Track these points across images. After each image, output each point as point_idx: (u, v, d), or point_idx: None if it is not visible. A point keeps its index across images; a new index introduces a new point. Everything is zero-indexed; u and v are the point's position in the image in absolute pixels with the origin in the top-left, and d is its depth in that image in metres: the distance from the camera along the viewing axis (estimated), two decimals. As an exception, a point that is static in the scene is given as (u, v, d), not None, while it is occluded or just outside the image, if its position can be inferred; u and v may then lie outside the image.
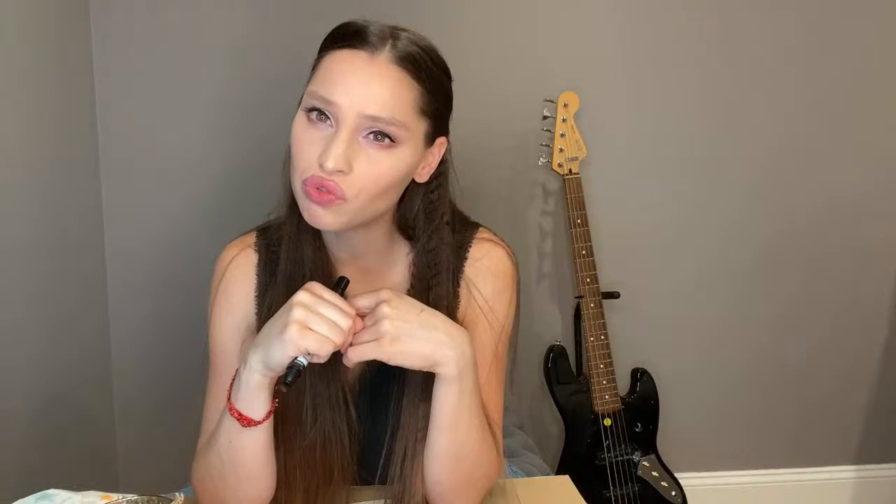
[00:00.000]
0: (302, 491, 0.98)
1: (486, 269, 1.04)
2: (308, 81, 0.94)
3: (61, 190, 1.70)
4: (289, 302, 0.87)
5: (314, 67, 0.94)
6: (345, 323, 0.86)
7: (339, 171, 0.88)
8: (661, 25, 1.93)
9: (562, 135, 1.81)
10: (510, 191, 1.95)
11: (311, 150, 0.90)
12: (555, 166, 1.82)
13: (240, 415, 0.89)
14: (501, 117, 1.92)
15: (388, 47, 0.91)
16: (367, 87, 0.89)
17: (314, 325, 0.84)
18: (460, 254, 1.04)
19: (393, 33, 0.93)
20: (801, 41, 1.96)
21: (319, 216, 0.91)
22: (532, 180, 1.96)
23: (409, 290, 1.02)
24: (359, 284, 1.04)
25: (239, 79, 1.86)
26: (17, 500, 0.85)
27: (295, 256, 1.00)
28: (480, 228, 1.08)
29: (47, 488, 0.88)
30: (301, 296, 0.86)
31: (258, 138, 1.84)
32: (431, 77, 0.94)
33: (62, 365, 1.69)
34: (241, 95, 1.86)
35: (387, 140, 0.90)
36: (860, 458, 2.15)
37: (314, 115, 0.91)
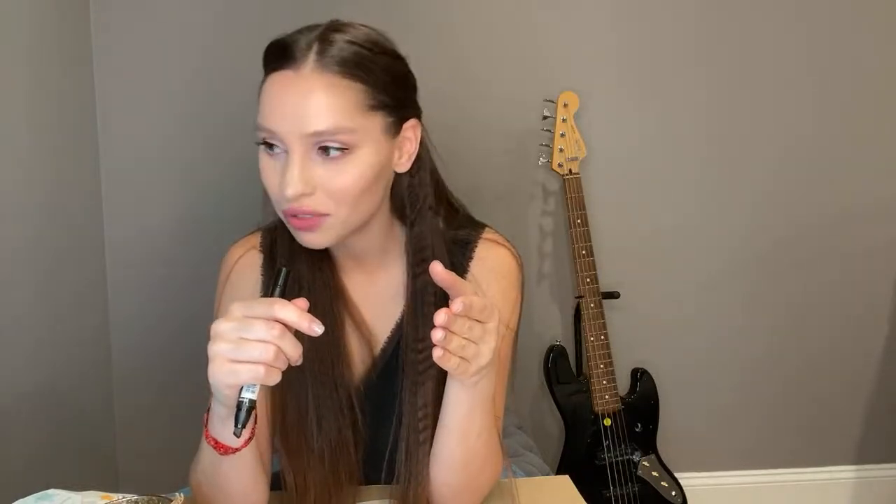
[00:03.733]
0: (314, 501, 0.98)
1: (490, 269, 1.03)
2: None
3: (61, 190, 1.70)
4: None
5: (260, 90, 0.92)
6: (271, 334, 0.75)
7: (302, 194, 0.87)
8: (662, 25, 1.93)
9: (562, 135, 1.81)
10: (510, 191, 1.95)
11: (274, 181, 0.89)
12: (555, 166, 1.82)
13: (216, 443, 0.87)
14: (501, 117, 1.92)
15: (312, 57, 0.87)
16: (298, 105, 0.86)
17: (242, 354, 0.75)
18: (465, 253, 1.03)
19: (322, 37, 0.89)
20: (804, 42, 1.96)
21: (309, 240, 0.91)
22: (532, 180, 1.96)
23: (406, 279, 1.02)
24: (364, 286, 1.04)
25: (240, 79, 1.85)
26: (16, 500, 0.85)
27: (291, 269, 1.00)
28: (486, 229, 1.07)
29: (47, 488, 0.88)
30: (217, 326, 0.77)
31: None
32: (370, 69, 0.89)
33: (62, 364, 1.69)
34: (242, 95, 1.85)
35: (337, 151, 0.87)
36: (860, 458, 2.15)
37: (265, 147, 0.90)
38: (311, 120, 0.86)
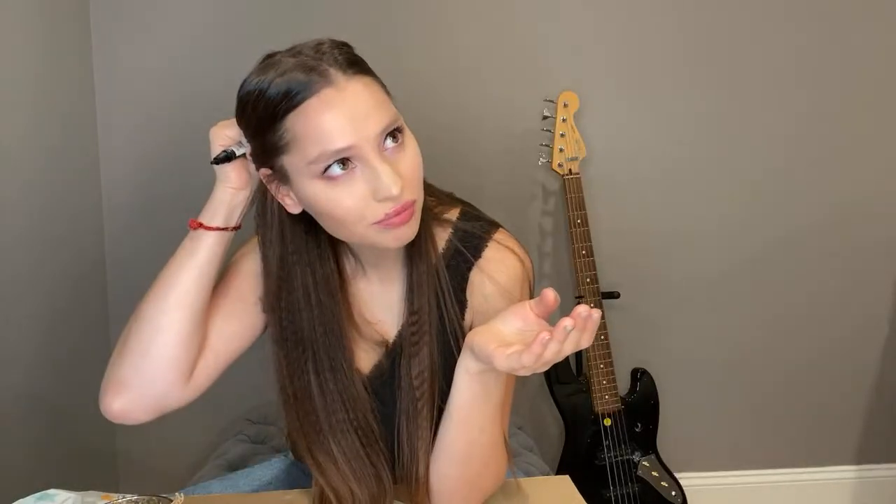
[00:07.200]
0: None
1: (497, 270, 1.03)
2: (283, 152, 0.90)
3: (61, 189, 1.70)
4: None
5: (281, 138, 0.89)
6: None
7: (403, 188, 0.87)
8: (662, 25, 1.93)
9: (562, 135, 1.81)
10: (510, 191, 1.95)
11: (360, 198, 0.87)
12: (555, 166, 1.82)
13: (192, 221, 1.02)
14: (501, 117, 1.92)
15: (335, 69, 0.87)
16: (355, 111, 0.86)
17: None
18: (474, 252, 1.03)
19: (318, 49, 0.90)
20: (803, 42, 1.96)
21: (404, 232, 0.90)
22: (532, 180, 1.96)
23: (404, 277, 1.02)
24: (373, 288, 1.04)
25: (240, 79, 1.86)
26: (16, 500, 0.85)
27: (303, 282, 0.99)
28: (500, 230, 1.06)
29: (47, 488, 0.88)
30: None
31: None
32: (368, 65, 0.92)
33: (62, 364, 1.69)
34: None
35: (399, 136, 0.89)
36: (860, 458, 2.15)
37: (334, 170, 0.87)
38: (373, 119, 0.87)
